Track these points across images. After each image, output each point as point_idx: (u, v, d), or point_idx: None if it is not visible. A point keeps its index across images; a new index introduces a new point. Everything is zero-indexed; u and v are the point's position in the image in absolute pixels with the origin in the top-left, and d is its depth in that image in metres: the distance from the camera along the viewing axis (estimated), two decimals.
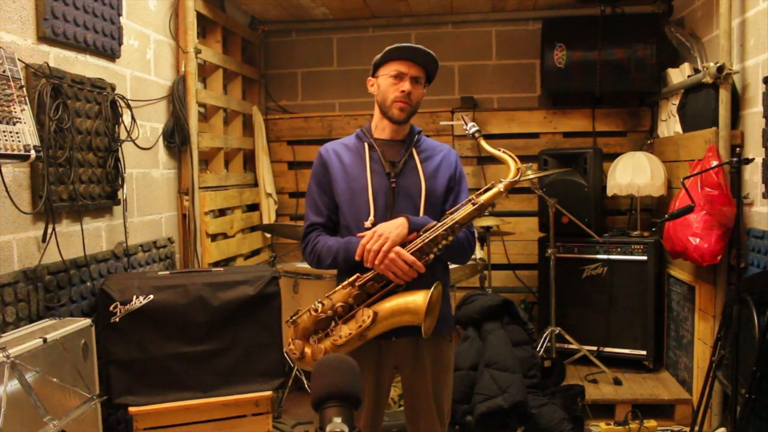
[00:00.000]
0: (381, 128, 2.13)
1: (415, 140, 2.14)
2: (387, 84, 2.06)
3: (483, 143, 2.06)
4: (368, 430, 2.10)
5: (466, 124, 2.10)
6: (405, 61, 2.04)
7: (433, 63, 2.08)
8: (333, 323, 1.97)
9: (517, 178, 1.97)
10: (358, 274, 1.97)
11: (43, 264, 2.40)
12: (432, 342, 2.05)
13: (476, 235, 2.15)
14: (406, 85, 2.02)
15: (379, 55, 2.09)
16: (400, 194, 2.05)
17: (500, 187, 1.96)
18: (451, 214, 1.97)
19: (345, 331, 1.93)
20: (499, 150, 2.04)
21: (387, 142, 2.12)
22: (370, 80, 2.13)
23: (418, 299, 1.91)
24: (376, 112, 2.13)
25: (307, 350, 1.98)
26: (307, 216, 2.14)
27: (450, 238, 1.94)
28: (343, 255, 2.01)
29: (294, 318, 2.02)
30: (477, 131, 2.08)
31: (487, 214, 3.88)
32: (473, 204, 1.96)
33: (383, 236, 1.92)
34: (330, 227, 2.13)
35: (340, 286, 1.99)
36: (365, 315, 1.92)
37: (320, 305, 1.96)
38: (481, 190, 1.99)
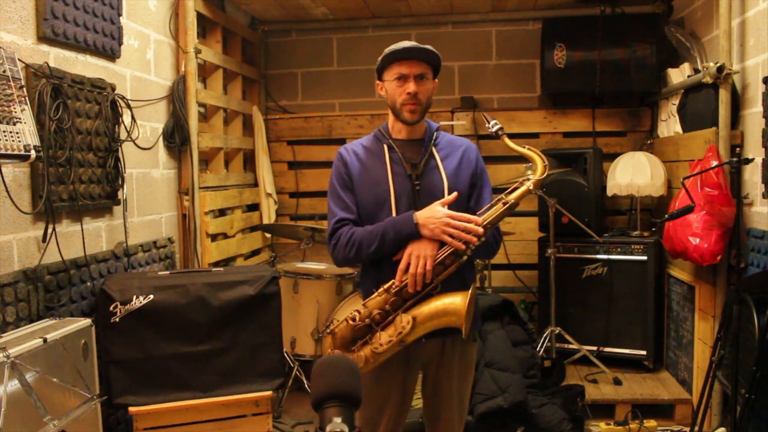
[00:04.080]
0: (397, 129, 2.11)
1: (434, 138, 2.12)
2: (393, 88, 2.04)
3: (507, 141, 2.05)
4: (392, 427, 2.09)
5: (489, 122, 2.08)
6: (405, 62, 2.02)
7: (434, 56, 2.05)
8: (371, 331, 1.96)
9: (545, 175, 1.98)
10: (392, 281, 1.95)
11: (43, 264, 2.40)
12: (459, 341, 2.04)
13: (500, 230, 2.13)
14: (411, 87, 2.00)
15: (378, 61, 2.07)
16: (423, 195, 2.02)
17: (529, 185, 1.96)
18: (482, 215, 1.96)
19: (385, 338, 1.92)
20: (525, 147, 2.03)
21: (406, 142, 2.10)
22: (378, 84, 2.11)
23: (457, 301, 1.90)
24: (390, 113, 2.11)
25: None
26: (333, 213, 2.07)
27: (482, 238, 1.93)
28: (393, 233, 1.94)
29: (332, 328, 2.00)
30: (500, 129, 2.06)
31: None
32: (504, 204, 1.95)
33: (420, 257, 1.91)
34: (360, 224, 2.06)
35: (376, 294, 1.96)
36: (404, 321, 1.91)
37: (357, 314, 1.95)
38: (510, 189, 1.98)
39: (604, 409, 3.39)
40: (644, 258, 3.77)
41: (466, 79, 4.62)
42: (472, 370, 2.19)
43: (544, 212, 3.90)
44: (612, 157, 4.12)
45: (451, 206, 2.00)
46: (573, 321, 3.88)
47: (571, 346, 3.78)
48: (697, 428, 2.87)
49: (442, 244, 1.93)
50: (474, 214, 1.97)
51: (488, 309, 3.38)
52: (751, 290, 2.58)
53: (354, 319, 1.95)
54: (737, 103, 3.13)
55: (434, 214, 1.93)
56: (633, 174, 3.83)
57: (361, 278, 2.17)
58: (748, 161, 2.85)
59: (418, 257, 1.91)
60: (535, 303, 4.36)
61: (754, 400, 2.39)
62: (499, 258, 4.42)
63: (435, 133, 2.13)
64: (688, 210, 2.76)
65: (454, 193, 1.99)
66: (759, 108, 2.89)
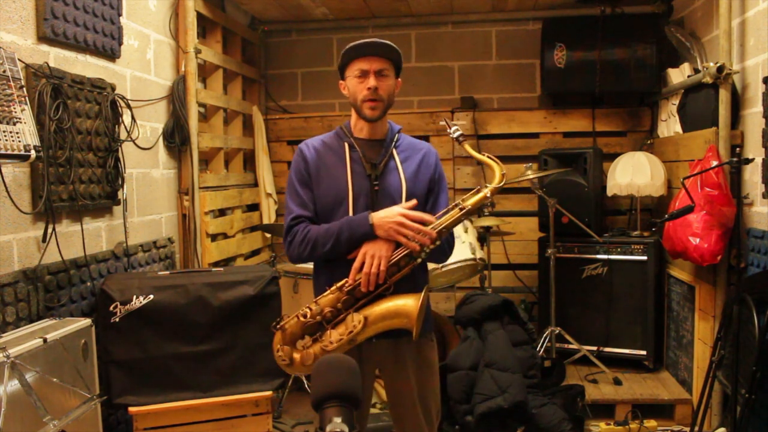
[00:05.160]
0: (359, 128, 2.11)
1: (395, 139, 2.12)
2: (354, 84, 2.04)
3: (468, 148, 2.06)
4: None
5: (450, 128, 2.09)
6: (365, 58, 2.02)
7: (394, 52, 2.05)
8: (321, 328, 1.95)
9: (502, 183, 2.00)
10: (346, 279, 1.95)
11: (43, 264, 2.40)
12: (413, 342, 2.03)
13: (453, 233, 2.14)
14: (371, 82, 2.00)
15: (339, 59, 2.08)
16: (381, 196, 2.03)
17: (486, 192, 1.98)
18: (438, 218, 1.97)
19: (335, 336, 1.91)
20: (484, 155, 2.05)
21: (367, 142, 2.09)
22: (342, 83, 2.12)
23: (409, 303, 1.90)
24: (353, 112, 2.11)
25: (296, 356, 1.95)
26: (290, 209, 2.07)
27: (437, 242, 1.95)
28: (348, 233, 1.95)
29: (281, 324, 1.97)
30: (460, 135, 2.07)
31: (487, 213, 3.88)
32: (461, 209, 1.97)
33: (374, 257, 1.92)
34: (316, 222, 2.06)
35: (328, 291, 1.96)
36: (355, 320, 1.90)
37: (308, 311, 1.94)
38: (468, 195, 2.00)
39: (604, 409, 3.39)
40: (644, 258, 3.77)
41: (466, 79, 4.62)
42: (433, 372, 2.16)
43: (544, 212, 3.90)
44: (612, 157, 4.12)
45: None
46: (573, 321, 3.88)
47: (571, 346, 3.78)
48: (697, 428, 2.88)
49: (397, 245, 1.94)
50: None
51: (488, 309, 3.38)
52: (751, 290, 2.59)
53: (305, 316, 1.94)
54: (737, 103, 3.13)
55: (389, 215, 1.94)
56: (633, 174, 3.83)
57: (314, 275, 2.15)
58: (748, 161, 2.85)
59: (372, 257, 1.91)
60: (535, 303, 4.36)
61: (754, 400, 2.39)
62: (499, 258, 4.44)
63: (396, 135, 2.13)
64: (688, 210, 2.76)
65: (413, 201, 1.99)
66: (759, 108, 2.89)
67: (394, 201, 2.02)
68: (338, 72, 2.12)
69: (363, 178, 2.04)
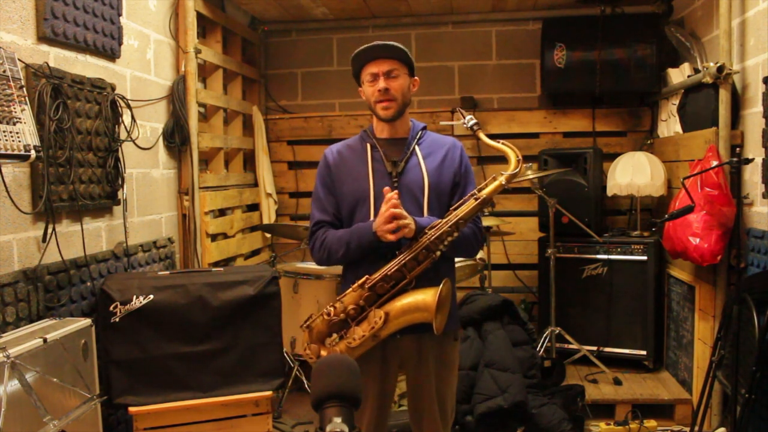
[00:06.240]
0: (381, 129, 2.15)
1: (418, 137, 2.14)
2: (367, 88, 2.10)
3: (482, 136, 2.08)
4: (373, 428, 2.10)
5: (464, 118, 2.11)
6: (372, 62, 2.07)
7: (400, 52, 2.08)
8: (346, 326, 1.99)
9: (518, 169, 1.98)
10: (367, 276, 1.98)
11: (43, 264, 2.40)
12: (436, 340, 2.05)
13: (482, 228, 2.15)
14: (380, 84, 2.05)
15: (351, 67, 2.13)
16: (402, 193, 2.04)
17: (501, 179, 1.97)
18: (455, 210, 1.98)
19: (359, 332, 1.95)
20: (499, 142, 2.05)
21: (389, 141, 2.13)
22: (360, 90, 2.16)
23: (428, 296, 1.93)
24: (373, 114, 2.15)
25: (323, 353, 2.00)
26: (313, 215, 2.15)
27: (455, 234, 1.95)
28: (356, 241, 2.01)
29: (308, 323, 2.04)
30: (476, 124, 2.09)
31: (486, 213, 3.88)
32: (476, 199, 1.97)
33: (409, 228, 1.93)
34: (336, 225, 2.13)
35: (351, 289, 2.00)
36: (377, 316, 1.93)
37: (332, 309, 1.99)
38: (483, 184, 2.00)
39: (604, 409, 3.39)
40: (644, 258, 3.77)
41: (466, 79, 4.62)
42: (453, 371, 2.19)
43: (544, 212, 3.90)
44: (612, 157, 4.12)
45: (432, 206, 2.05)
46: (573, 321, 3.88)
47: (571, 346, 3.78)
48: (697, 428, 2.87)
49: (415, 237, 1.96)
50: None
51: (488, 309, 3.38)
52: (751, 290, 2.58)
53: (329, 314, 1.98)
54: (737, 103, 3.13)
55: (376, 222, 1.96)
56: (633, 174, 3.83)
57: (342, 273, 2.21)
58: (748, 161, 2.85)
59: (404, 217, 1.93)
60: (535, 303, 4.36)
61: (754, 400, 2.39)
62: (499, 258, 4.44)
63: (420, 132, 2.15)
64: (688, 210, 2.76)
65: (390, 194, 1.96)
66: (759, 108, 2.89)
67: (416, 197, 2.05)
68: (354, 80, 2.17)
69: (384, 176, 2.07)
